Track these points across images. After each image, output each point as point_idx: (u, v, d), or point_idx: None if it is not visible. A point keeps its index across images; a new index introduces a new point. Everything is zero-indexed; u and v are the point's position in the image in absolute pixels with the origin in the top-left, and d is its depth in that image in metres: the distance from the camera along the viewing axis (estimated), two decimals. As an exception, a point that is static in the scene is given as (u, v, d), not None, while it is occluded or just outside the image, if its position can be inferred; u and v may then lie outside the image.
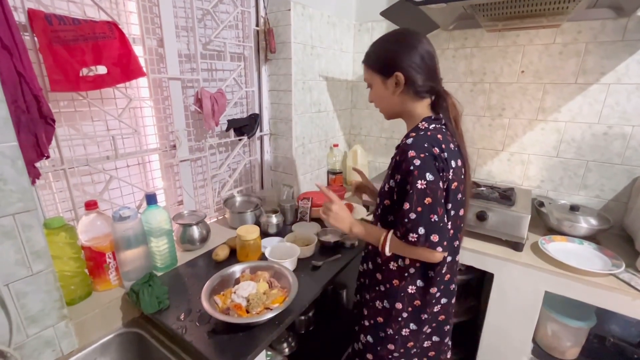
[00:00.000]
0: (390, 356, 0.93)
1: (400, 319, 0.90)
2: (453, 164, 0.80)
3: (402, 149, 0.78)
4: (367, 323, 0.97)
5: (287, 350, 1.31)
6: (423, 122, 0.83)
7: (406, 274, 0.87)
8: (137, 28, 1.07)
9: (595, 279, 1.08)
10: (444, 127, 0.84)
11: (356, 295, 1.08)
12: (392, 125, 1.90)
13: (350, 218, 0.94)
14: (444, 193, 0.79)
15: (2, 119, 0.65)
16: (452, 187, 0.81)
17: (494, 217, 1.27)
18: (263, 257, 1.12)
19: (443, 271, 0.87)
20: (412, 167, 0.75)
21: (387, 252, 0.85)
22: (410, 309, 0.89)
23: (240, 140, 1.49)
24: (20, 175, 0.70)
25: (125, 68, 0.96)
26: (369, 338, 0.96)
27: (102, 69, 0.94)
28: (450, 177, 0.79)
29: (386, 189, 0.87)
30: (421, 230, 0.76)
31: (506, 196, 1.36)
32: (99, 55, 0.91)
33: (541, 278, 1.16)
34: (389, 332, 0.92)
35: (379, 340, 0.94)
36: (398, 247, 0.83)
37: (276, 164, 1.68)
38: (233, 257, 1.16)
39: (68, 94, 0.94)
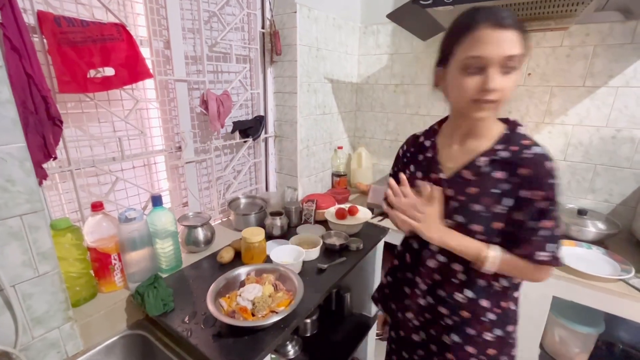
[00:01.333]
0: None
1: (511, 340, 0.80)
2: None
3: (532, 161, 0.65)
4: None
5: (291, 353, 1.30)
6: (521, 127, 0.70)
7: (508, 293, 0.77)
8: (145, 30, 1.07)
9: (604, 285, 1.07)
10: None
11: (410, 333, 0.86)
12: (397, 128, 1.89)
13: (441, 224, 0.74)
14: None
15: (10, 120, 0.66)
16: None
17: (500, 221, 1.25)
18: (268, 260, 1.12)
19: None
20: (552, 180, 0.64)
21: (490, 269, 0.69)
22: (517, 326, 0.80)
23: (245, 142, 1.49)
24: (28, 176, 0.70)
25: (133, 70, 0.96)
26: None
27: (109, 71, 0.94)
28: None
29: (497, 211, 0.69)
30: (551, 248, 0.66)
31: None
32: (106, 57, 0.91)
33: (549, 283, 1.15)
34: None
35: None
36: (507, 262, 0.69)
37: (281, 166, 1.68)
38: (238, 259, 1.15)
39: (75, 95, 0.94)
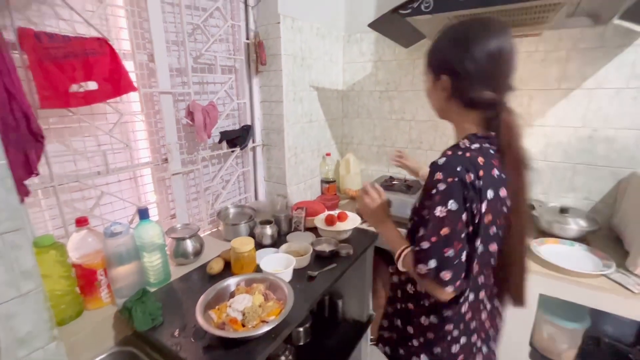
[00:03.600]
0: None
1: (411, 344, 0.86)
2: (490, 194, 0.67)
3: (431, 168, 0.70)
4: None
5: (284, 363, 1.29)
6: (465, 140, 0.72)
7: (421, 302, 0.81)
8: (128, 43, 1.07)
9: (587, 280, 1.10)
10: (492, 148, 0.71)
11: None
12: (383, 133, 1.92)
13: (383, 214, 0.88)
14: (468, 226, 0.68)
15: (-10, 137, 0.65)
16: (486, 221, 0.68)
17: (486, 222, 1.28)
18: (258, 269, 1.11)
19: (462, 310, 0.77)
20: (434, 191, 0.67)
21: (400, 267, 0.80)
22: (422, 339, 0.83)
23: (232, 151, 1.49)
24: (9, 194, 0.69)
25: (116, 83, 0.96)
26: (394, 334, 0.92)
27: (92, 85, 0.94)
28: (482, 209, 0.67)
29: (417, 205, 0.79)
30: (432, 264, 0.68)
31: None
32: (89, 71, 0.91)
33: (535, 281, 1.17)
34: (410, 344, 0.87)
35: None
36: (409, 266, 0.76)
37: (269, 175, 1.68)
38: (228, 270, 1.14)
39: (58, 110, 0.93)
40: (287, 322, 0.88)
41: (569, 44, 1.35)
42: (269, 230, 1.31)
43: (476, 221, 0.68)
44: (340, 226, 1.37)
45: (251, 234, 1.36)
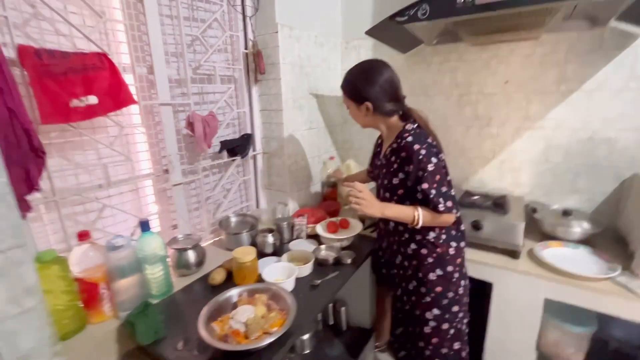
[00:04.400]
0: (457, 318, 1.14)
1: (454, 278, 1.11)
2: (441, 150, 1.07)
3: (405, 146, 1.02)
4: (428, 299, 1.12)
5: (289, 373, 1.28)
6: (409, 125, 1.08)
7: (442, 240, 1.09)
8: (128, 57, 1.08)
9: (592, 284, 1.09)
10: (419, 128, 1.09)
11: (396, 289, 1.26)
12: (383, 138, 1.92)
13: (378, 202, 1.08)
14: (445, 170, 1.04)
15: (-9, 156, 0.65)
16: (445, 164, 1.06)
17: (488, 226, 1.27)
18: (260, 279, 1.11)
19: (462, 227, 1.14)
20: (420, 156, 0.99)
21: (419, 224, 1.02)
22: (458, 268, 1.11)
23: (233, 160, 1.49)
24: (11, 210, 0.69)
25: (116, 97, 0.97)
26: (436, 311, 1.13)
27: (93, 99, 0.94)
28: (443, 158, 1.05)
29: (395, 182, 1.09)
30: (442, 200, 1.00)
31: (499, 204, 1.37)
32: (89, 86, 0.92)
33: (540, 285, 1.16)
34: (450, 296, 1.11)
35: (445, 308, 1.12)
36: (427, 217, 1.02)
37: (270, 183, 1.68)
38: (230, 280, 1.14)
39: (58, 124, 0.94)
40: (291, 332, 0.87)
41: (567, 46, 1.35)
42: (270, 238, 1.31)
43: (444, 165, 1.04)
44: (342, 233, 1.37)
45: (253, 243, 1.36)
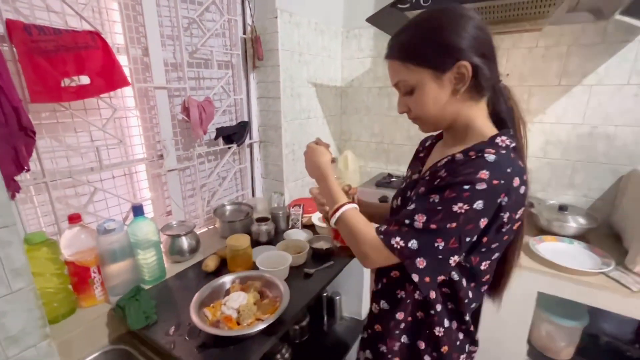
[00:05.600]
0: None
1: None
2: (526, 202, 0.60)
3: (472, 163, 0.58)
4: None
5: (281, 361, 1.28)
6: (502, 137, 0.61)
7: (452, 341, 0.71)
8: (122, 37, 1.05)
9: (586, 278, 1.09)
10: (514, 152, 0.61)
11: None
12: (382, 130, 1.90)
13: (328, 167, 0.75)
14: (481, 236, 0.60)
15: (-23, 132, 0.63)
16: (515, 227, 0.62)
17: (484, 219, 1.27)
18: (254, 267, 1.10)
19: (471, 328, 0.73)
20: (467, 187, 0.56)
21: (332, 223, 0.70)
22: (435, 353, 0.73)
23: (229, 148, 1.47)
24: (-2, 189, 0.68)
25: (109, 78, 0.95)
26: None
27: (85, 79, 0.92)
28: (517, 217, 0.60)
29: (412, 193, 0.71)
30: (413, 244, 0.58)
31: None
32: (81, 65, 0.89)
33: (534, 279, 1.17)
34: None
35: None
36: (347, 225, 0.66)
37: (267, 172, 1.67)
38: (224, 267, 1.13)
39: (50, 104, 0.92)
40: (283, 320, 0.86)
41: (570, 39, 1.33)
42: (265, 227, 1.30)
43: (504, 230, 0.60)
44: (337, 223, 1.36)
45: (248, 232, 1.35)
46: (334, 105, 1.93)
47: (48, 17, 0.91)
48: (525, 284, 1.18)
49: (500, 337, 1.28)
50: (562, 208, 1.35)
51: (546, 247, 1.24)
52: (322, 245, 1.25)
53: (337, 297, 1.57)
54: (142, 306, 0.88)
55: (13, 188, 0.79)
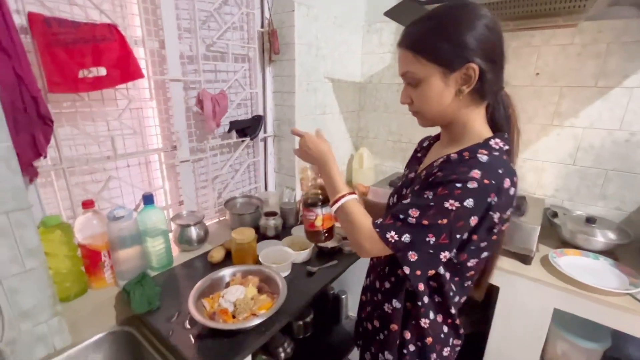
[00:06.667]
0: None
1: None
2: (515, 202, 0.63)
3: (466, 162, 0.60)
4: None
5: (282, 355, 1.29)
6: (496, 140, 0.63)
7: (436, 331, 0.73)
8: (140, 30, 1.08)
9: (609, 298, 1.01)
10: (507, 155, 0.64)
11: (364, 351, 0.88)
12: (400, 128, 1.85)
13: (330, 153, 0.76)
14: (470, 234, 0.62)
15: (-5, 120, 0.67)
16: (503, 228, 0.64)
17: (501, 227, 1.20)
18: (259, 261, 1.11)
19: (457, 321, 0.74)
20: (459, 185, 0.57)
21: (333, 210, 0.72)
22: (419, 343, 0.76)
23: (243, 141, 1.49)
24: (15, 174, 0.72)
25: (125, 70, 0.97)
26: None
27: (101, 71, 0.95)
28: (505, 217, 0.62)
29: (407, 191, 0.72)
30: (406, 238, 0.60)
31: (516, 205, 1.28)
32: (98, 57, 0.92)
33: (550, 294, 1.09)
34: None
35: None
36: (347, 215, 0.67)
37: (279, 166, 1.67)
38: (229, 259, 1.15)
39: (70, 94, 0.96)
40: (279, 316, 0.87)
41: (610, 36, 1.21)
42: (272, 222, 1.31)
43: (495, 230, 0.62)
44: (345, 222, 1.34)
45: (256, 225, 1.36)
46: (352, 102, 1.89)
47: (70, 10, 0.94)
48: (540, 298, 1.11)
49: (510, 352, 1.22)
50: (590, 220, 1.25)
51: (567, 261, 1.15)
52: (328, 243, 1.23)
53: (344, 296, 1.56)
54: (146, 292, 0.92)
55: (31, 173, 0.84)
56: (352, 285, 1.56)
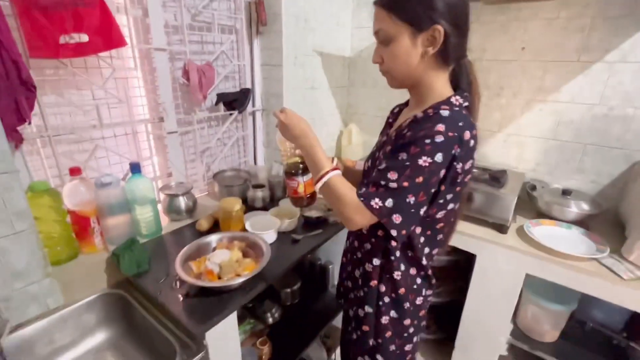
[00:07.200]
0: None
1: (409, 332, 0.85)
2: (475, 155, 0.67)
3: (432, 118, 0.63)
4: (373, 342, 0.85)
5: (270, 320, 1.36)
6: (456, 97, 0.68)
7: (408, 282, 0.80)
8: (122, -4, 1.06)
9: (576, 263, 1.07)
10: (466, 110, 0.68)
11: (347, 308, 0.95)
12: (389, 103, 1.85)
13: (310, 130, 0.76)
14: (439, 185, 0.66)
15: (-25, 82, 0.68)
16: (466, 179, 0.69)
17: (480, 199, 1.25)
18: (245, 229, 1.15)
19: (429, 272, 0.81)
20: (428, 141, 0.61)
21: (317, 188, 0.73)
22: (393, 294, 0.81)
23: (230, 114, 1.49)
24: (-1, 138, 0.73)
25: (107, 37, 0.97)
26: (379, 357, 0.86)
27: (83, 37, 0.94)
28: (467, 168, 0.66)
29: (380, 153, 0.76)
30: (389, 203, 0.63)
31: (496, 178, 1.33)
32: (79, 22, 0.91)
33: (523, 261, 1.15)
34: (398, 344, 0.85)
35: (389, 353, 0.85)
36: (333, 190, 0.69)
37: (268, 140, 1.68)
38: (217, 228, 1.19)
39: (52, 61, 0.96)
40: (262, 277, 0.91)
41: (595, 10, 1.22)
42: (260, 194, 1.34)
43: (458, 180, 0.67)
44: (331, 194, 1.37)
45: (244, 197, 1.39)
46: (341, 77, 1.89)
47: (48, -27, 0.92)
48: (514, 265, 1.18)
49: (485, 314, 1.29)
50: (565, 192, 1.30)
51: (541, 230, 1.21)
52: (313, 213, 1.27)
53: (330, 266, 1.62)
54: (135, 255, 0.95)
55: (16, 138, 0.85)
56: (338, 257, 1.62)
